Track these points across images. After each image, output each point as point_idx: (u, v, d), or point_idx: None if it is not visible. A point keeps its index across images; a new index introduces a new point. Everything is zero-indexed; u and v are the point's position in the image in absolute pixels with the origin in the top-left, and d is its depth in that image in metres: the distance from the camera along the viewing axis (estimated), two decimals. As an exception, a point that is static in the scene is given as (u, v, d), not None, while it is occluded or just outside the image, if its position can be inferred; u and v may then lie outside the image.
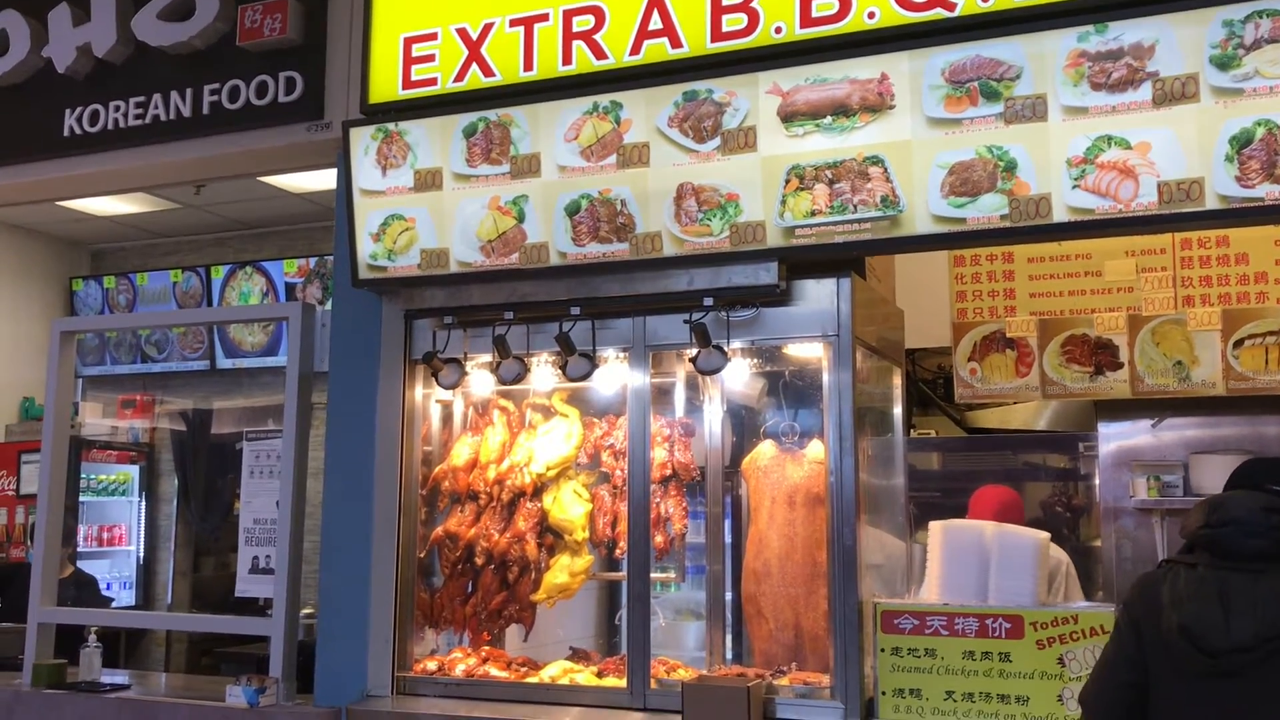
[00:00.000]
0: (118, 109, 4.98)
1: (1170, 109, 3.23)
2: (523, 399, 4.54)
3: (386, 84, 4.28)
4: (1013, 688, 3.44)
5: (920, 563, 4.23)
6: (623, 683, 3.93)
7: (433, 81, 4.21)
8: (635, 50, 3.91)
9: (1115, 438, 5.47)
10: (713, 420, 4.52)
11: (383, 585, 4.29)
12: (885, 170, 3.52)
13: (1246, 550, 2.60)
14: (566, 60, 4.01)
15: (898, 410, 4.52)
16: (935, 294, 5.38)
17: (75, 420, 8.38)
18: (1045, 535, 3.83)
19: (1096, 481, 5.60)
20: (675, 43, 3.85)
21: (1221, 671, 2.55)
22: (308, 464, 4.57)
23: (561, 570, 4.28)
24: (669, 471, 4.16)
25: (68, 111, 5.08)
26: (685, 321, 3.83)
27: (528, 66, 4.07)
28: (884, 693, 3.58)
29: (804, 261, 3.75)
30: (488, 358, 4.23)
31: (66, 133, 5.08)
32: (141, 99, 4.94)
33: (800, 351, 4.05)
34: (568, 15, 4.01)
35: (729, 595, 4.52)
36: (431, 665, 4.25)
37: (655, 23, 3.88)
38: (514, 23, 4.10)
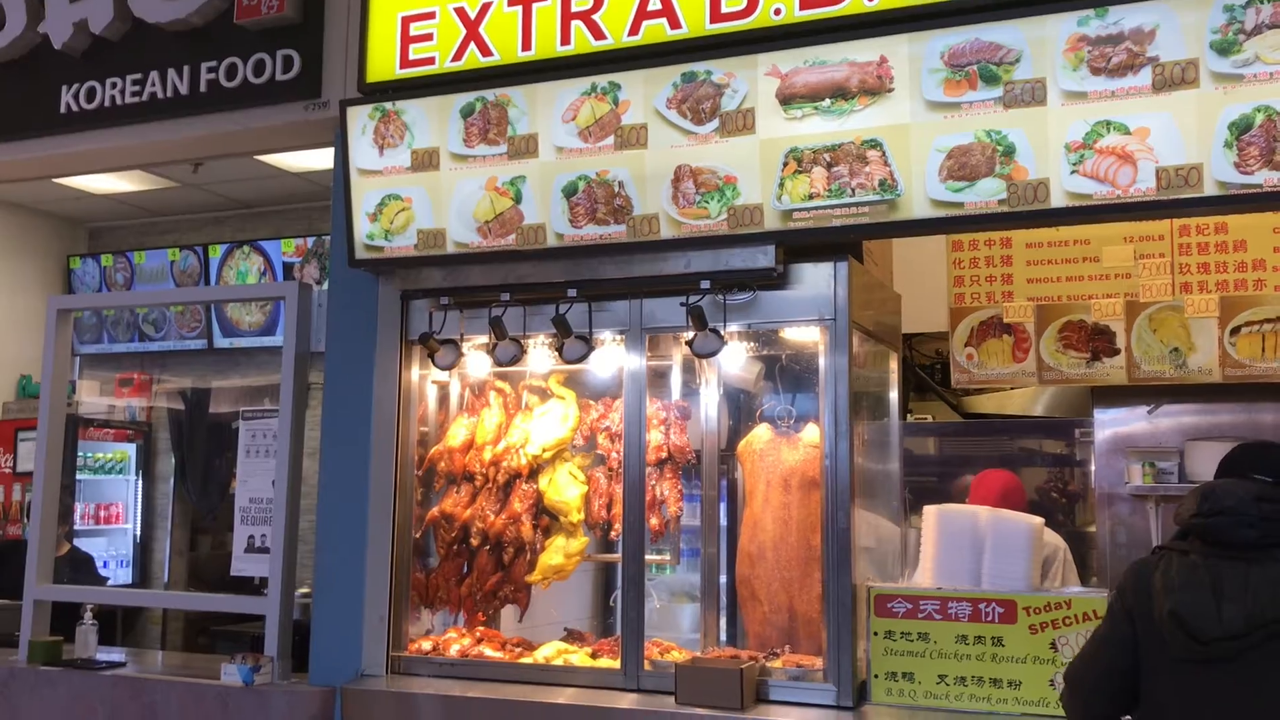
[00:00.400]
0: (115, 86, 4.96)
1: (1170, 94, 3.22)
2: (519, 381, 4.53)
3: (384, 63, 4.26)
4: (1005, 672, 3.46)
5: (915, 547, 4.24)
6: (617, 664, 3.94)
7: (430, 61, 4.19)
8: (634, 31, 3.89)
9: (1111, 424, 5.48)
10: (709, 403, 4.52)
11: (378, 565, 4.29)
12: (883, 154, 3.51)
13: (1238, 540, 2.61)
14: (565, 40, 3.99)
15: (894, 395, 4.51)
16: (933, 279, 5.37)
17: (72, 398, 8.38)
18: (1039, 520, 3.83)
19: (1092, 467, 5.61)
20: (674, 23, 3.83)
21: (1212, 657, 2.56)
22: (304, 443, 4.57)
23: (557, 552, 4.29)
24: (665, 454, 4.17)
25: (64, 88, 5.06)
26: (682, 304, 3.82)
27: (526, 46, 4.05)
28: (876, 676, 3.59)
29: (801, 245, 3.74)
30: (484, 339, 4.22)
31: (63, 110, 5.06)
32: (138, 76, 4.91)
33: (797, 335, 4.05)
34: (566, -5, 3.99)
35: (723, 578, 4.53)
36: (426, 645, 4.26)
37: (654, 3, 3.86)
38: (512, 2, 4.08)
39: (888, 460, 4.47)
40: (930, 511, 3.92)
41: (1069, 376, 5.19)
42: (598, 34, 3.94)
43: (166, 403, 8.98)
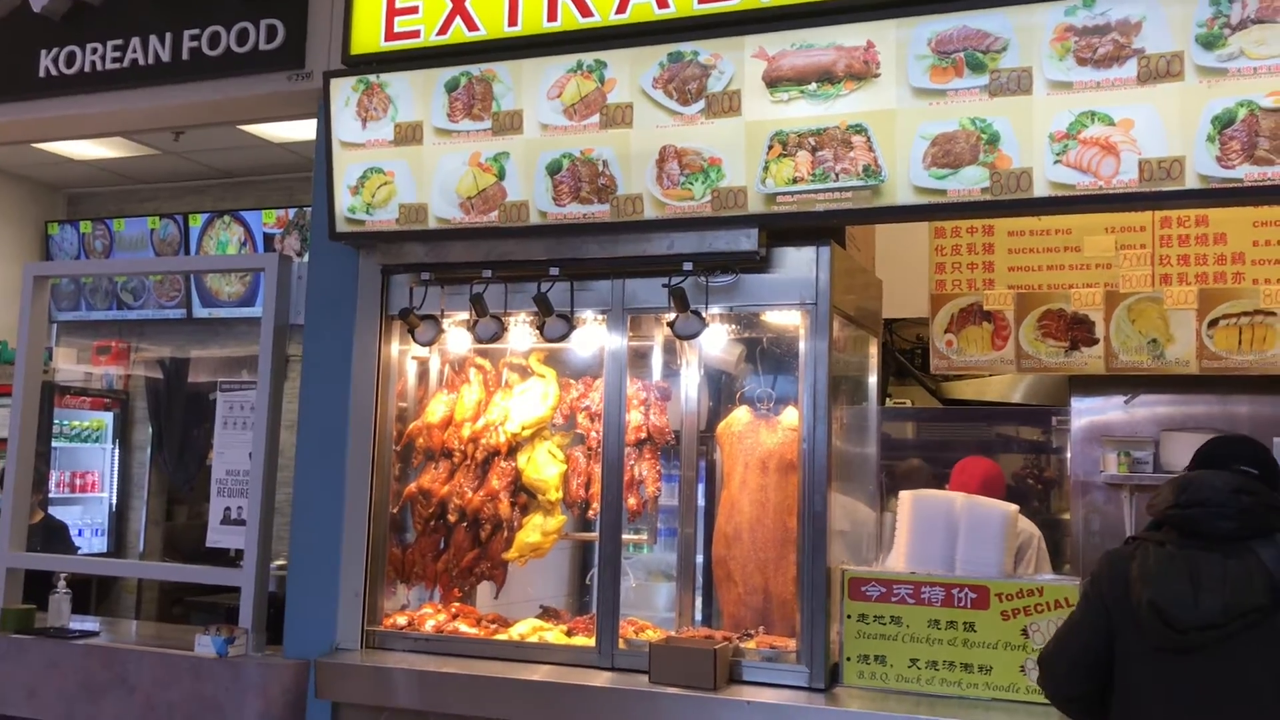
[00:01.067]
0: (95, 51, 4.90)
1: (1154, 86, 3.22)
2: (499, 358, 4.53)
3: (369, 35, 4.23)
4: (976, 657, 3.49)
5: (890, 531, 4.27)
6: (592, 642, 3.96)
7: (416, 34, 4.16)
8: (621, 9, 3.86)
9: (1088, 412, 5.52)
10: (689, 384, 4.53)
11: (354, 539, 4.29)
12: (868, 139, 3.51)
13: (1215, 531, 2.63)
14: (552, 17, 3.96)
15: (873, 379, 4.53)
16: (914, 265, 5.38)
17: (49, 365, 8.32)
18: (1014, 508, 3.87)
19: (1068, 455, 5.65)
20: (662, 2, 3.81)
21: (1189, 646, 2.59)
22: (281, 416, 4.55)
23: (534, 529, 4.29)
24: (644, 434, 4.18)
25: (43, 52, 5.00)
26: (664, 286, 3.82)
27: (512, 21, 4.02)
28: (849, 658, 3.62)
29: (784, 229, 3.73)
30: (465, 316, 4.21)
31: (42, 74, 5.00)
32: (119, 42, 4.86)
33: (778, 319, 4.05)
34: (554, -29, 3.97)
35: (700, 558, 4.55)
36: (401, 620, 4.26)
37: (642, -18, 3.84)
38: (499, -23, 4.05)
39: (865, 444, 4.49)
40: (905, 496, 3.95)
41: (1047, 365, 5.21)
42: (585, 11, 3.91)
43: (144, 372, 8.93)
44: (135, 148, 7.92)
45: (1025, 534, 4.56)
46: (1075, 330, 5.14)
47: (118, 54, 4.85)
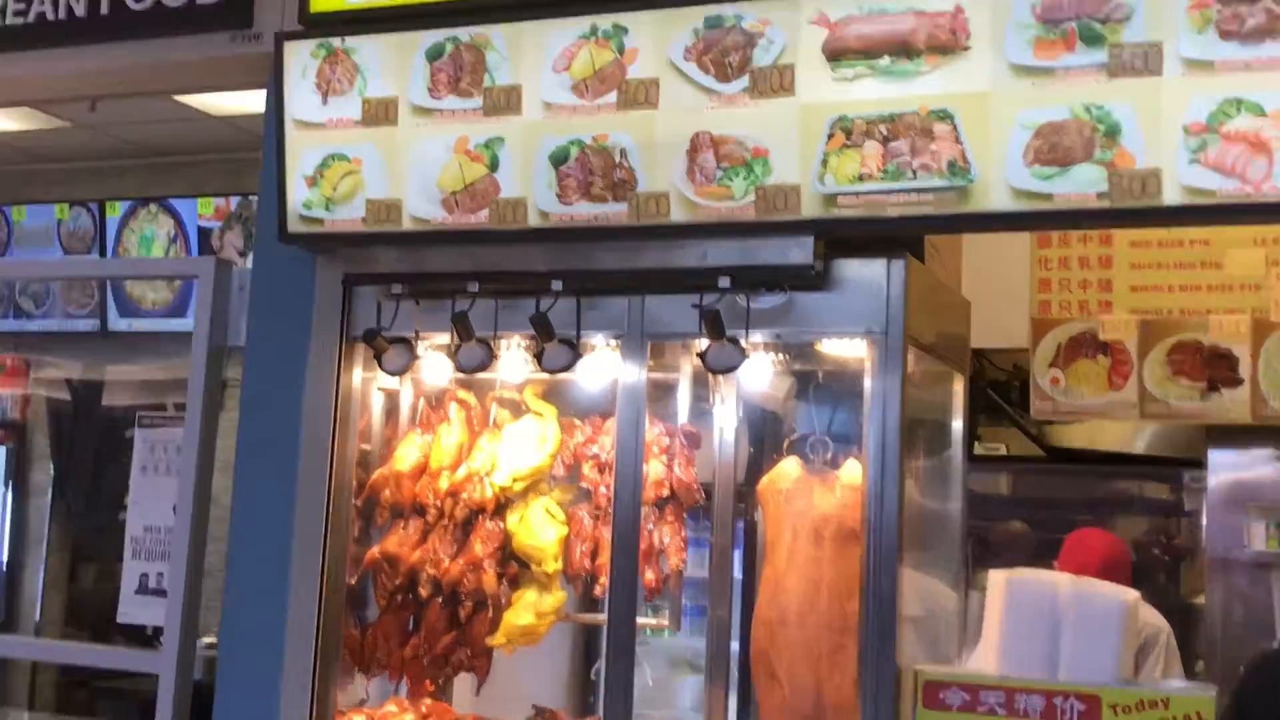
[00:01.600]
0: (-6, 4, 4.98)
1: (1318, 68, 3.21)
2: (487, 391, 4.54)
3: (332, -12, 4.28)
4: (1083, 784, 3.46)
5: (977, 618, 4.24)
6: (596, 755, 3.96)
7: (391, -12, 4.20)
8: (647, -40, 3.89)
9: (1228, 469, 5.49)
10: (724, 428, 4.53)
11: (302, 616, 4.30)
12: (955, 128, 3.50)
13: None
14: (560, -31, 4.00)
15: (957, 424, 4.52)
16: (1012, 282, 5.38)
17: (-72, 387, 8.40)
18: (1134, 595, 3.83)
19: (1203, 523, 5.62)
20: (697, -47, 3.84)
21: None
22: (214, 456, 4.57)
23: (526, 609, 4.29)
24: (666, 492, 4.17)
25: (-72, 5, 5.08)
26: (694, 306, 3.82)
27: (511, -26, 4.06)
28: (922, 783, 3.60)
29: (847, 237, 3.74)
30: (445, 339, 4.23)
31: (-73, 31, 5.07)
32: (24, -8, 4.93)
33: (837, 349, 4.05)
34: (563, -87, 4.00)
35: (735, 647, 4.54)
36: (359, 720, 4.27)
37: (673, -72, 3.86)
38: (496, -81, 4.08)
39: (947, 504, 4.48)
40: (998, 578, 3.91)
41: (1178, 410, 5.20)
42: (601, -37, 3.94)
43: (47, 395, 8.99)
44: (42, 119, 8.00)
45: (1150, 628, 4.53)
46: (1214, 367, 5.12)
47: (21, 6, 4.91)
